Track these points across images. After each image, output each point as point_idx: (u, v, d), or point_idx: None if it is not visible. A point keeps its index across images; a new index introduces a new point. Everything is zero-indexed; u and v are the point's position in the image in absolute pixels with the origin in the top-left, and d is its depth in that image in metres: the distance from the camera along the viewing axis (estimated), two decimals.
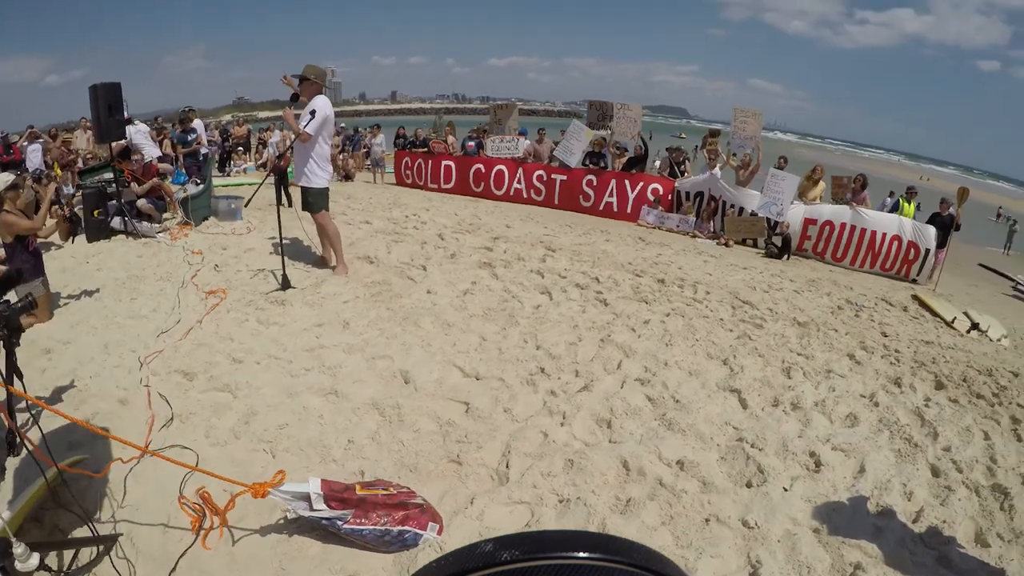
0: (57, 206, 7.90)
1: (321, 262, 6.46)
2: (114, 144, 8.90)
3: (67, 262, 7.60)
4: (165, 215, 9.32)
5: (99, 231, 8.47)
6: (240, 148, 18.83)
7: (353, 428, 3.61)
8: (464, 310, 5.34)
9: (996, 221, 30.21)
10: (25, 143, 12.23)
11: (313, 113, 5.44)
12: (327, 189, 5.93)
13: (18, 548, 2.22)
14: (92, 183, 8.93)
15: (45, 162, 12.11)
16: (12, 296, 3.51)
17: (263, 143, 18.94)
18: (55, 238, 7.75)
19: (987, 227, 25.40)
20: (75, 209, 8.36)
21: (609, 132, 12.74)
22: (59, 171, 11.48)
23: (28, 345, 4.81)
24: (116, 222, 8.58)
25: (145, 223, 8.80)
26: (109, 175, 8.82)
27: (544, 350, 4.63)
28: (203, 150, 11.87)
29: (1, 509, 2.67)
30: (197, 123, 12.42)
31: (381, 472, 3.24)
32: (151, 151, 10.42)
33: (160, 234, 8.57)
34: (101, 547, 2.66)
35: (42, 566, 2.34)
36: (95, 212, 8.48)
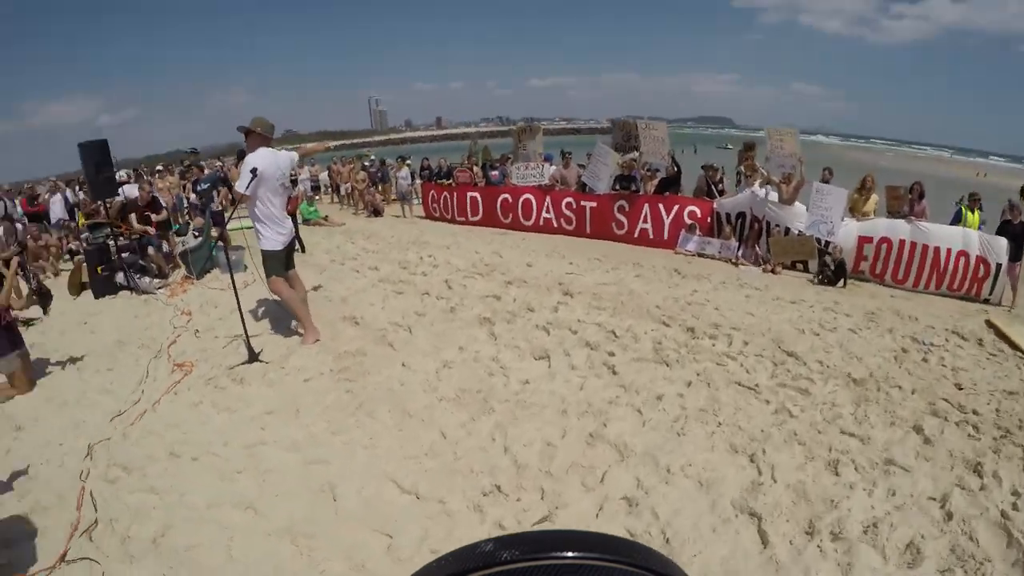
0: (25, 281, 7.73)
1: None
2: (113, 201, 8.84)
3: (67, 323, 7.41)
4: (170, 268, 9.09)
5: (104, 287, 8.29)
6: None
7: (258, 562, 2.98)
8: (434, 391, 4.58)
9: None
10: (47, 195, 12.27)
11: (254, 171, 4.90)
12: (278, 252, 5.32)
13: None
14: (95, 240, 8.78)
15: (69, 212, 12.11)
16: None
17: (293, 181, 18.87)
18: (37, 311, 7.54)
19: None
20: (42, 283, 8.16)
21: (638, 153, 11.89)
22: (83, 221, 11.42)
23: (4, 419, 4.94)
24: (119, 278, 8.38)
25: (146, 279, 8.53)
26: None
27: (512, 454, 3.74)
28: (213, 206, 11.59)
29: None
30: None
31: None
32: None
33: (160, 290, 8.26)
34: None
35: None
36: (98, 268, 8.32)
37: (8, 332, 5.36)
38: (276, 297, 5.88)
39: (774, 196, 9.93)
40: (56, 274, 9.95)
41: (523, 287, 7.15)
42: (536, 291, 6.98)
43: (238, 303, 5.30)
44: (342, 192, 18.36)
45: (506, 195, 13.15)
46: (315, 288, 7.27)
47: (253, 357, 5.16)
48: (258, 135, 5.12)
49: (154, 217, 9.46)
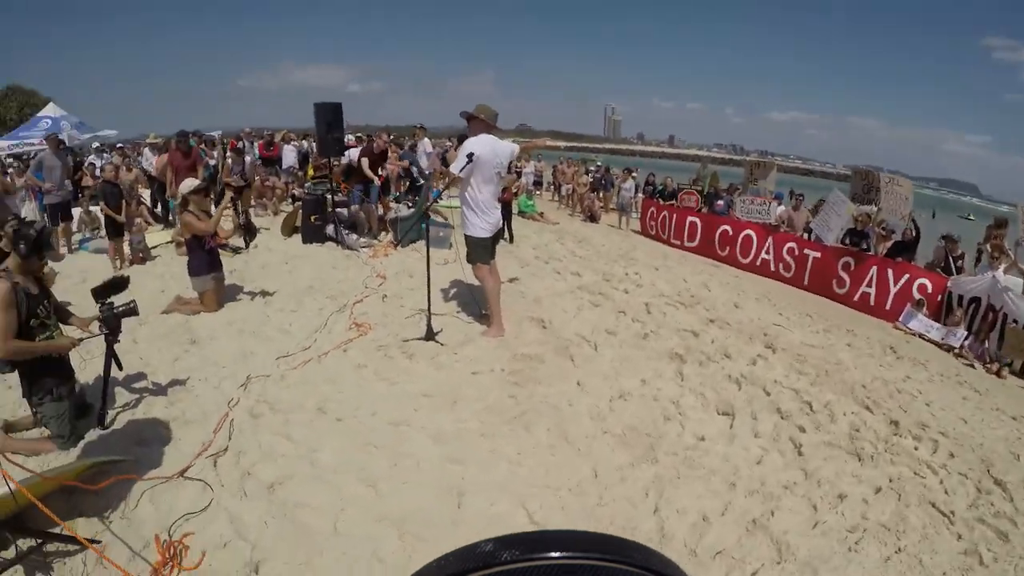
0: (235, 213, 8.37)
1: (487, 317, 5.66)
2: (338, 160, 9.38)
3: (271, 260, 7.95)
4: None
5: (313, 235, 8.79)
6: None
7: (359, 542, 2.77)
8: (601, 421, 4.05)
9: None
10: (282, 143, 13.41)
11: (470, 156, 4.72)
12: (484, 239, 5.13)
13: None
14: (314, 191, 9.34)
15: (300, 161, 13.16)
16: (118, 300, 3.84)
17: (517, 172, 19.11)
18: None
19: None
20: (250, 219, 8.73)
21: (876, 208, 10.43)
22: (311, 172, 12.33)
23: (181, 331, 5.37)
24: (329, 229, 8.81)
25: (353, 236, 8.91)
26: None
27: (660, 517, 3.12)
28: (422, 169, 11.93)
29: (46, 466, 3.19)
30: (423, 143, 12.55)
31: None
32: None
33: (363, 249, 8.52)
34: (71, 547, 2.74)
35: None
36: (312, 217, 8.82)
37: (209, 255, 5.82)
38: (472, 282, 5.75)
39: (1017, 285, 8.12)
40: (276, 213, 10.81)
41: (725, 329, 6.36)
42: (737, 336, 6.17)
43: (428, 278, 5.21)
44: (563, 192, 18.23)
45: (727, 227, 12.22)
46: (511, 280, 7.05)
47: (430, 335, 5.02)
48: (480, 121, 4.99)
49: (381, 172, 9.83)
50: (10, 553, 2.62)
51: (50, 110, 20.17)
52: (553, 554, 0.43)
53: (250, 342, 5.15)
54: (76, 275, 6.98)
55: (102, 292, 3.78)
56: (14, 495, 2.51)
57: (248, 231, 7.88)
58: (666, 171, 19.07)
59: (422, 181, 11.31)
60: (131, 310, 3.81)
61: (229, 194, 6.50)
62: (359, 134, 16.77)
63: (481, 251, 5.13)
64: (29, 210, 9.73)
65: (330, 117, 8.44)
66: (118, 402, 4.11)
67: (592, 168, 19.58)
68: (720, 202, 13.32)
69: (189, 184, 5.81)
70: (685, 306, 6.99)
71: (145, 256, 8.01)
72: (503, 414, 4.00)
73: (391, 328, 5.41)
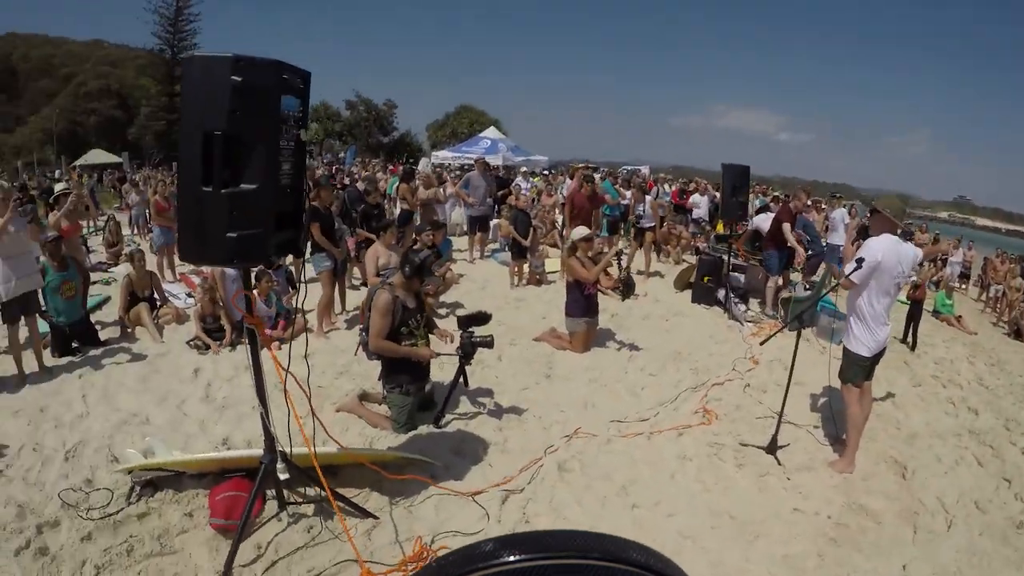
0: (617, 266, 8.43)
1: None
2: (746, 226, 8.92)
3: (655, 310, 8.08)
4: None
5: (702, 296, 8.63)
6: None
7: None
8: None
9: None
10: (697, 195, 13.07)
11: (860, 261, 3.82)
12: (864, 359, 4.08)
13: (281, 464, 2.88)
14: (715, 250, 9.09)
15: (711, 214, 12.52)
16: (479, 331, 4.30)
17: (943, 260, 15.64)
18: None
19: None
20: (630, 275, 8.58)
21: None
22: (720, 228, 11.87)
23: (542, 362, 5.83)
24: (720, 294, 8.48)
25: (742, 306, 8.38)
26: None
27: None
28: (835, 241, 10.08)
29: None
30: (839, 212, 10.45)
31: None
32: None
33: (748, 324, 7.94)
34: (355, 516, 3.19)
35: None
36: (705, 278, 8.61)
37: (586, 300, 6.04)
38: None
39: None
40: (677, 263, 10.84)
41: None
42: None
43: (788, 380, 4.43)
44: (991, 293, 13.98)
45: None
46: (886, 397, 5.73)
47: (773, 447, 4.26)
48: (884, 218, 4.06)
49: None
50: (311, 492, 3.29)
51: (491, 132, 24.13)
52: (553, 554, 0.44)
53: (598, 394, 5.16)
54: (480, 280, 8.08)
55: (467, 322, 4.27)
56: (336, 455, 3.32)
57: (626, 286, 8.05)
58: None
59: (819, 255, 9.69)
60: (487, 343, 4.19)
61: (613, 249, 6.67)
62: (777, 193, 15.48)
63: (857, 370, 4.15)
64: (457, 215, 11.70)
65: (737, 180, 8.10)
66: (459, 409, 4.54)
67: None
68: None
69: (580, 232, 6.13)
70: None
71: (541, 279, 8.85)
72: (800, 572, 3.18)
73: (738, 425, 4.79)
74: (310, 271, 6.11)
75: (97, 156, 31.37)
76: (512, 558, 0.44)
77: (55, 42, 57.40)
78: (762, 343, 5.17)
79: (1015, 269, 13.39)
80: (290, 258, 5.27)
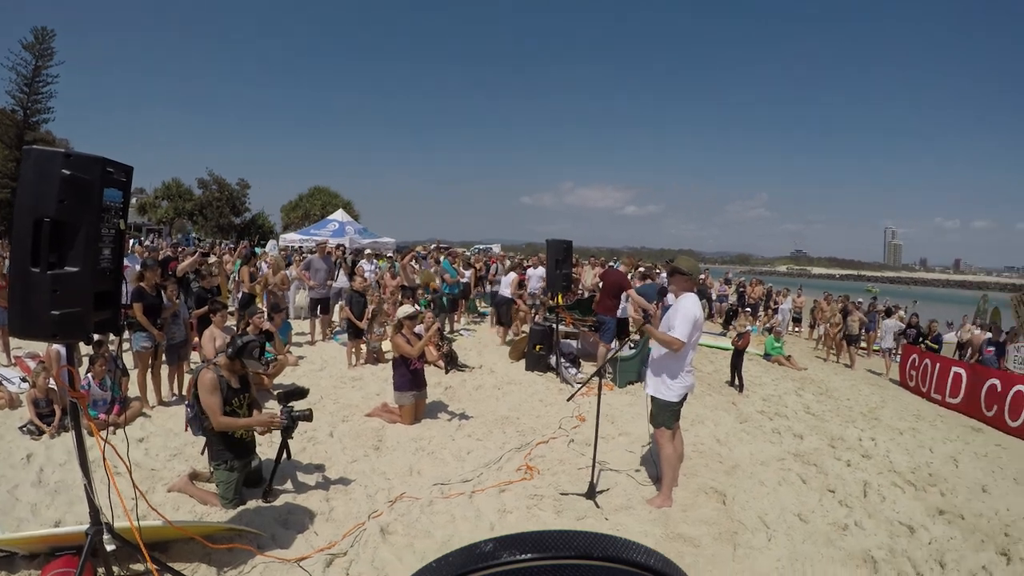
0: (442, 342, 9.10)
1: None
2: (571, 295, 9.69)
3: (487, 382, 8.44)
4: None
5: (535, 363, 9.25)
6: (748, 309, 18.00)
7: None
8: None
9: None
10: (531, 267, 14.16)
11: (691, 322, 4.49)
12: (675, 404, 4.77)
13: (107, 536, 2.91)
14: (546, 320, 9.78)
15: (544, 289, 13.81)
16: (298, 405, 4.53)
17: (774, 309, 17.93)
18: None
19: None
20: (452, 349, 9.44)
21: None
22: (559, 299, 12.81)
23: (372, 435, 5.96)
24: (551, 360, 9.10)
25: (573, 370, 9.05)
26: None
27: None
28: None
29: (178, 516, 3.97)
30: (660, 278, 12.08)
31: None
32: None
33: (578, 385, 8.57)
34: None
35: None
36: (537, 347, 9.22)
37: (412, 375, 6.42)
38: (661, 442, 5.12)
39: None
40: (516, 335, 11.50)
41: (953, 524, 4.84)
42: (965, 537, 4.61)
43: (596, 427, 4.99)
44: (820, 331, 16.32)
45: (995, 380, 9.97)
46: (706, 438, 6.49)
47: (591, 493, 4.73)
48: (683, 277, 4.77)
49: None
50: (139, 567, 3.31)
51: (339, 215, 24.53)
52: (553, 554, 0.43)
53: (423, 462, 5.42)
54: (319, 361, 8.27)
55: (285, 397, 4.52)
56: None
57: (450, 359, 8.63)
58: (946, 302, 16.32)
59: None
60: (306, 416, 4.43)
61: (436, 326, 7.24)
62: (616, 259, 16.87)
63: (669, 415, 4.75)
64: (301, 298, 12.06)
65: (560, 254, 8.79)
66: (288, 484, 4.66)
67: (859, 301, 17.46)
68: (991, 349, 11.14)
69: (405, 311, 6.58)
70: (915, 488, 5.66)
71: (378, 358, 9.12)
72: None
73: (559, 477, 5.21)
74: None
75: None
76: (512, 558, 0.44)
77: None
78: (568, 399, 5.82)
79: (835, 307, 15.76)
80: (112, 337, 5.28)
